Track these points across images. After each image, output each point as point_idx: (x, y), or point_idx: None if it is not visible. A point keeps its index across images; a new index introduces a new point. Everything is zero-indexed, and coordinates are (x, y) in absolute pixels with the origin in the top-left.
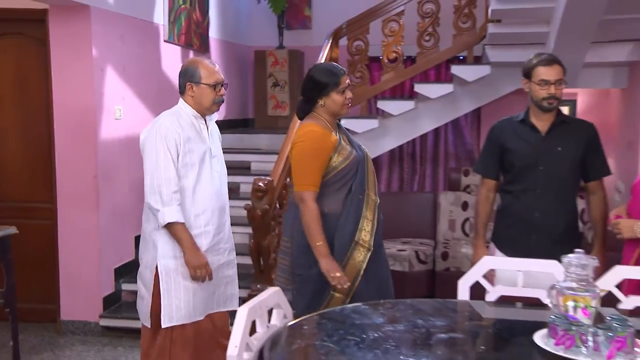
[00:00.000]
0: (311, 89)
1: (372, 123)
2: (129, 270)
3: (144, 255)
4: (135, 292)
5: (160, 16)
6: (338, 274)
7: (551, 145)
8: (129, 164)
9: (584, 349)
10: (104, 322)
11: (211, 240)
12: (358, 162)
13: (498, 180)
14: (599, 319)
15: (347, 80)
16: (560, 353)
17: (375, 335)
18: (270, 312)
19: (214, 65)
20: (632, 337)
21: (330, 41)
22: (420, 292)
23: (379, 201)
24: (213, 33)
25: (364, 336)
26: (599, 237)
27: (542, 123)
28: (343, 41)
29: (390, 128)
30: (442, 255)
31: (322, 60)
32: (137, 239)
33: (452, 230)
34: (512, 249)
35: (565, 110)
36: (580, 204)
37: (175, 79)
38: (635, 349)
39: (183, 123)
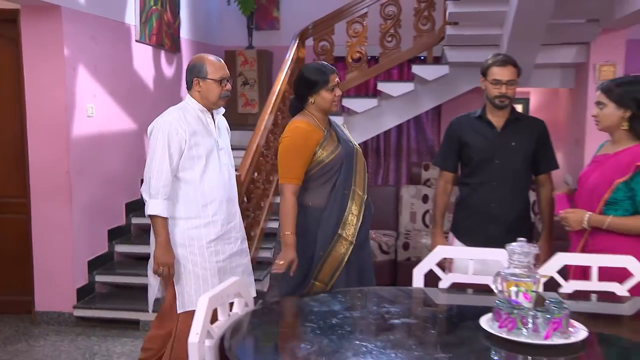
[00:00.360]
0: (302, 87)
1: (338, 120)
2: (102, 263)
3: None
4: (109, 284)
5: (131, 17)
6: (286, 259)
7: (506, 140)
8: (101, 160)
9: (524, 331)
10: (78, 313)
11: (220, 230)
12: (344, 157)
13: (456, 173)
14: (539, 302)
15: (337, 79)
16: (503, 335)
17: (332, 321)
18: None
19: (219, 61)
20: (567, 318)
21: (297, 41)
22: (383, 281)
23: (366, 197)
24: (184, 34)
25: (321, 322)
26: (545, 227)
27: (497, 119)
28: (309, 41)
29: (355, 124)
30: (404, 246)
31: (289, 60)
32: (111, 232)
33: (413, 222)
34: (470, 239)
35: (519, 108)
36: (532, 195)
37: (146, 77)
38: (570, 328)
39: (189, 117)
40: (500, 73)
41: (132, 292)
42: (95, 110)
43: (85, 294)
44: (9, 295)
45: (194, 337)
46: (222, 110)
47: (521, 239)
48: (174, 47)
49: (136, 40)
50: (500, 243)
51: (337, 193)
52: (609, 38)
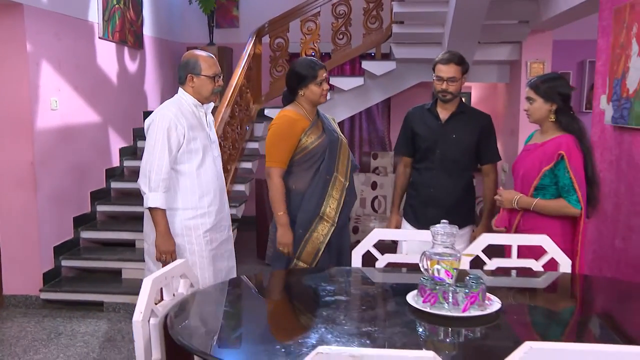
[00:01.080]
0: (293, 80)
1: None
2: (68, 248)
3: (150, 234)
4: (75, 268)
5: (94, 14)
6: (284, 241)
7: (447, 132)
8: (66, 151)
9: (445, 305)
10: (44, 296)
11: (214, 219)
12: (327, 145)
13: (413, 157)
14: (461, 279)
15: (325, 74)
16: (427, 309)
17: (270, 299)
18: None
19: (212, 57)
20: (484, 292)
21: (254, 38)
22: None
23: (347, 184)
24: (147, 31)
25: (258, 301)
26: (485, 212)
27: (444, 112)
28: (266, 39)
29: None
30: (354, 230)
31: (246, 56)
32: (76, 220)
33: (363, 207)
34: (415, 220)
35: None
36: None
37: (110, 72)
38: (486, 302)
39: (185, 112)
40: (443, 70)
41: (97, 276)
42: (59, 104)
43: (52, 278)
44: None
45: (137, 315)
46: (212, 105)
47: (444, 221)
48: (137, 44)
49: (99, 37)
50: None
51: (320, 178)
52: (537, 38)
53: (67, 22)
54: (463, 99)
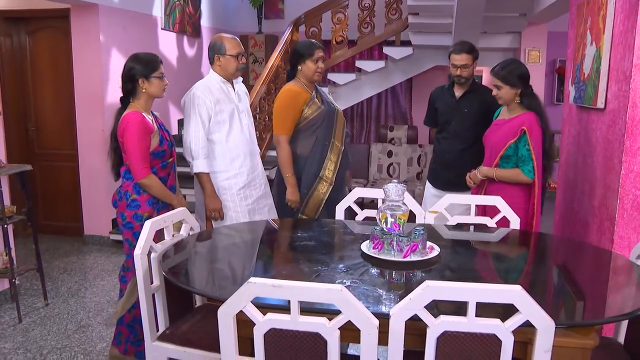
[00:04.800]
0: (293, 57)
1: (325, 90)
2: None
3: (199, 196)
4: None
5: (157, 9)
6: (293, 198)
7: (461, 107)
8: None
9: (391, 251)
10: (113, 237)
11: (246, 179)
12: (325, 115)
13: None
14: (412, 231)
15: (321, 54)
16: (375, 255)
17: (249, 244)
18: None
19: (235, 39)
20: (424, 241)
21: (292, 27)
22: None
23: (343, 148)
24: (205, 22)
25: (240, 245)
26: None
27: (458, 91)
28: (302, 28)
29: (339, 94)
30: None
31: (283, 42)
32: None
33: (380, 172)
34: (433, 180)
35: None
36: None
37: (170, 58)
38: (427, 250)
39: (213, 89)
40: (456, 59)
41: None
42: None
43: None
44: (65, 222)
45: (137, 250)
46: (240, 79)
47: (395, 180)
48: (195, 34)
49: (161, 29)
50: (454, 185)
51: (319, 143)
52: (534, 29)
53: (134, 16)
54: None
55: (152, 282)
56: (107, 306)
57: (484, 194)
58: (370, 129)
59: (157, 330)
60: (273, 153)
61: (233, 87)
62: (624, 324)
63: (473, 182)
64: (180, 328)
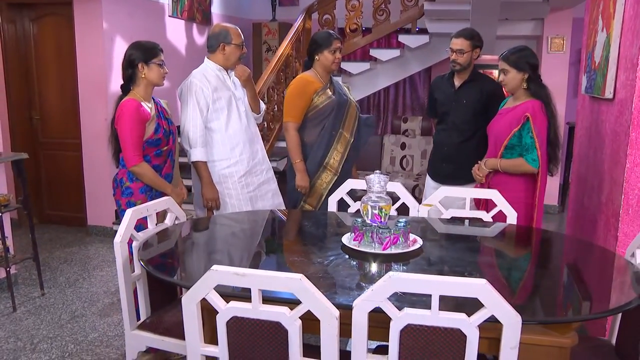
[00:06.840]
0: (311, 47)
1: (338, 79)
2: None
3: (196, 184)
4: None
5: None
6: (302, 184)
7: (459, 97)
8: None
9: (372, 244)
10: (116, 228)
11: (247, 166)
12: (335, 105)
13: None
14: (394, 223)
15: (338, 44)
16: (355, 246)
17: (236, 230)
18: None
19: (237, 29)
20: (405, 234)
21: (304, 15)
22: None
23: (352, 140)
24: (216, 9)
25: (227, 232)
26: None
27: (458, 80)
28: (315, 15)
29: (353, 84)
30: None
31: (295, 29)
32: None
33: (393, 165)
34: (432, 173)
35: (496, 73)
36: None
37: (178, 46)
38: (409, 242)
39: (209, 77)
40: (453, 42)
41: None
42: None
43: None
44: (69, 212)
45: (117, 238)
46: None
47: (377, 171)
48: (205, 21)
49: (169, 16)
50: (452, 178)
51: (326, 133)
52: (558, 15)
53: (140, 3)
54: (495, 72)
55: (133, 271)
56: (103, 297)
57: (488, 187)
58: (387, 121)
59: (138, 319)
60: (282, 144)
61: (229, 76)
62: (617, 324)
63: (480, 175)
64: (161, 317)
